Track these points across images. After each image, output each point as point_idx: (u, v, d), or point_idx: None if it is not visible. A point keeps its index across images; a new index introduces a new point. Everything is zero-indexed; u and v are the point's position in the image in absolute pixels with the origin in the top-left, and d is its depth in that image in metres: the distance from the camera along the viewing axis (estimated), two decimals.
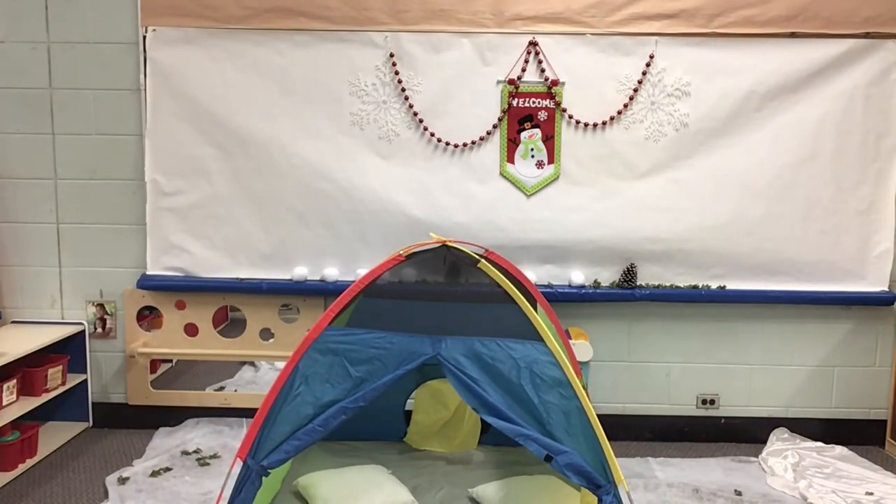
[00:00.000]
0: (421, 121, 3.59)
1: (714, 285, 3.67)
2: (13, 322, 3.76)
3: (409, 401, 3.55)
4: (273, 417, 2.38)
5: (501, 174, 3.63)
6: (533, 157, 3.62)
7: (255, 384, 4.26)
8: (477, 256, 2.60)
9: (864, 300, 3.67)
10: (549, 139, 3.61)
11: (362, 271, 3.20)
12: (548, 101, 3.58)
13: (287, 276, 3.68)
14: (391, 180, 3.61)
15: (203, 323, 3.75)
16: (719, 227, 3.62)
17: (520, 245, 3.61)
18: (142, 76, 3.59)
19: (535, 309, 2.73)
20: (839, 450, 3.60)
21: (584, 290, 3.63)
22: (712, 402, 3.80)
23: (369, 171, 3.61)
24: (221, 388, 4.11)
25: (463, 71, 3.56)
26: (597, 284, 3.67)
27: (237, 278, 3.68)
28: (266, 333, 3.80)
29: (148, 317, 3.85)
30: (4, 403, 3.21)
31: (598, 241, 3.63)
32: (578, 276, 3.64)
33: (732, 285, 3.66)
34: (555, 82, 3.55)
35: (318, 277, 3.66)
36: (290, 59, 3.56)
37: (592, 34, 3.53)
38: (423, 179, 3.62)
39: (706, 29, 3.53)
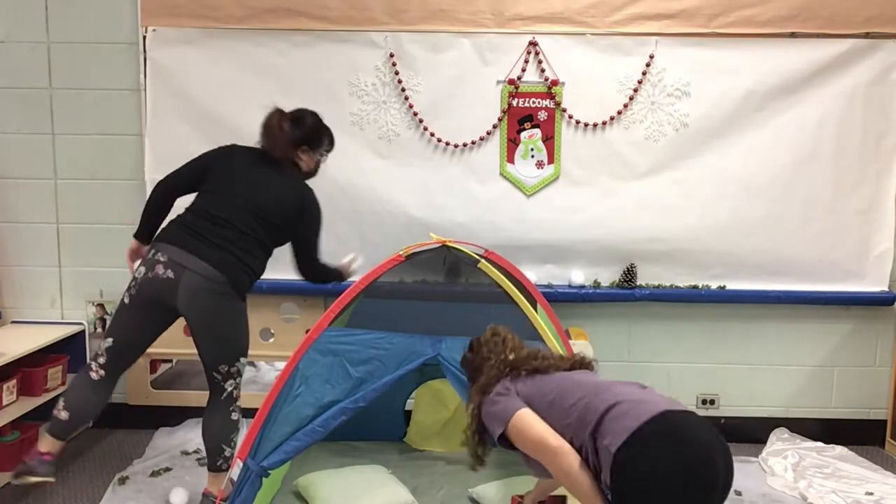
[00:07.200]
0: (421, 121, 3.59)
1: (714, 285, 3.66)
2: (13, 322, 3.76)
3: (409, 401, 3.55)
4: (273, 418, 2.39)
5: (501, 174, 3.63)
6: (533, 157, 3.62)
7: (255, 384, 4.26)
8: (477, 256, 2.60)
9: (864, 300, 3.67)
10: (549, 139, 3.60)
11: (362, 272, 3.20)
12: (548, 101, 3.58)
13: (287, 276, 3.67)
14: (391, 180, 3.61)
15: None
16: (719, 227, 3.62)
17: (520, 245, 3.61)
18: (142, 76, 3.58)
19: (535, 309, 2.73)
20: (839, 450, 3.60)
21: (584, 290, 3.63)
22: (712, 402, 3.80)
23: (369, 171, 3.61)
24: None
25: (463, 71, 3.55)
26: (597, 284, 3.67)
27: None
28: (266, 333, 3.80)
29: None
30: (4, 403, 3.20)
31: (598, 241, 3.63)
32: (578, 276, 3.64)
33: (732, 285, 3.66)
34: (555, 82, 3.55)
35: None
36: (290, 59, 3.56)
37: (592, 34, 3.53)
38: (423, 179, 3.61)
39: (706, 29, 3.52)
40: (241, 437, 2.71)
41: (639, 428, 1.65)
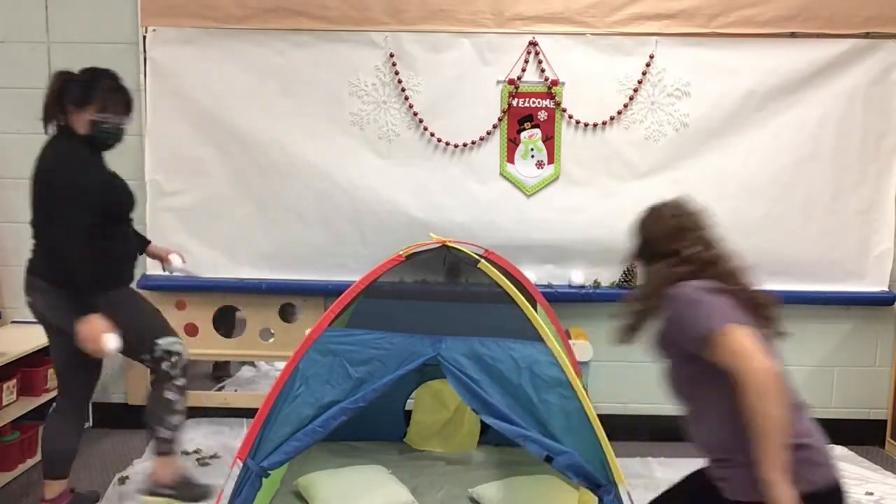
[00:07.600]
0: (421, 121, 3.58)
1: None
2: (13, 322, 3.76)
3: (409, 401, 3.55)
4: (273, 418, 2.38)
5: (501, 174, 3.63)
6: (533, 157, 3.62)
7: (255, 384, 4.27)
8: (477, 256, 2.60)
9: (864, 300, 3.67)
10: (549, 139, 3.60)
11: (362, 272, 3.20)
12: (548, 101, 3.58)
13: (287, 276, 3.68)
14: (391, 180, 3.61)
15: (203, 323, 3.75)
16: (719, 227, 3.61)
17: (520, 245, 3.61)
18: (142, 76, 3.58)
19: (535, 309, 2.73)
20: (839, 450, 3.60)
21: (584, 290, 3.63)
22: None
23: (369, 171, 3.61)
24: (221, 388, 4.11)
25: (463, 71, 3.55)
26: (597, 284, 3.67)
27: (237, 278, 3.68)
28: (266, 333, 3.80)
29: None
30: (4, 403, 3.20)
31: (599, 241, 3.62)
32: (578, 276, 3.64)
33: None
34: (555, 82, 3.55)
35: (319, 277, 3.66)
36: (290, 59, 3.56)
37: (592, 34, 3.53)
38: (423, 179, 3.62)
39: (706, 29, 3.52)
40: (181, 421, 2.76)
41: (821, 492, 1.81)
